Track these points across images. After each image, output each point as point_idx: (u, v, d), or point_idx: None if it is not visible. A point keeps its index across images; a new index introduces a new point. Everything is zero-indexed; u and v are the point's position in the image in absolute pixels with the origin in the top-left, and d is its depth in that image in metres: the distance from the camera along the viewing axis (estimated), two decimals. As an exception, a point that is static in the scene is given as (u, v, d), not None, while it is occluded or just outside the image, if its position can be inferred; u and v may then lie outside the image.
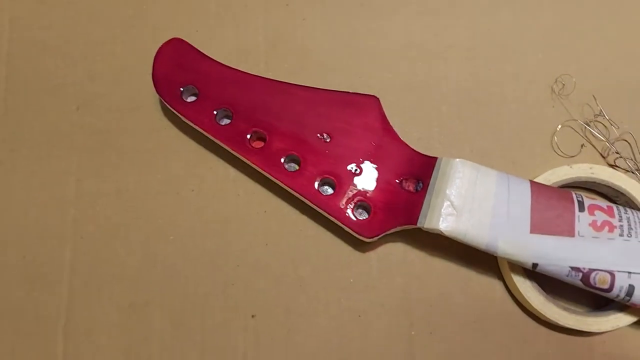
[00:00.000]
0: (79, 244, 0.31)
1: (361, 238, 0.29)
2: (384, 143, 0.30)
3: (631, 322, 0.28)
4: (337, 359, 0.30)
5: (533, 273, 0.29)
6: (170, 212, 0.31)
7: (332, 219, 0.29)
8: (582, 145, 0.31)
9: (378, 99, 0.30)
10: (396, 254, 0.31)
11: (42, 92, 0.34)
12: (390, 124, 0.30)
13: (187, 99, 0.31)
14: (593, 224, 0.27)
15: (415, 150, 0.30)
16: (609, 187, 0.30)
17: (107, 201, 0.32)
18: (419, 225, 0.28)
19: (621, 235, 0.27)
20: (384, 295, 0.30)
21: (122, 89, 0.34)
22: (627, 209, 0.28)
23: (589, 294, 0.29)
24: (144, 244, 0.31)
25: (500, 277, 0.31)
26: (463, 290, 0.30)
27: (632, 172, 0.31)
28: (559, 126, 0.32)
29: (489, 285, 0.30)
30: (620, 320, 0.28)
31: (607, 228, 0.27)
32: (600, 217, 0.27)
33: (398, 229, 0.29)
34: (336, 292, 0.30)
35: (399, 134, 0.30)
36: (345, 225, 0.29)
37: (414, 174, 0.29)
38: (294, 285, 0.30)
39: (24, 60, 0.34)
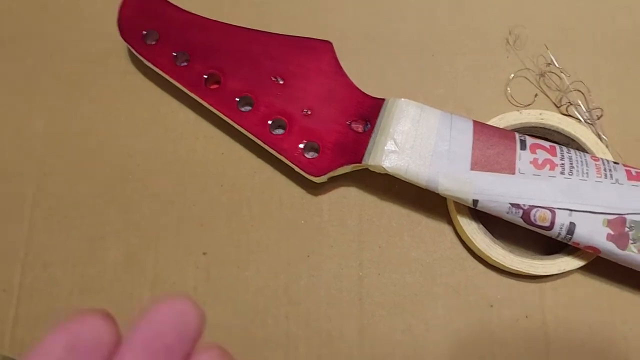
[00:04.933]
0: (43, 180, 0.32)
1: (309, 177, 0.30)
2: (336, 86, 0.30)
3: (579, 265, 0.28)
4: (284, 297, 0.30)
5: (480, 215, 0.29)
6: (131, 152, 0.32)
7: (282, 158, 0.30)
8: (535, 95, 0.32)
9: (331, 43, 0.31)
10: (349, 198, 0.31)
11: (20, 40, 0.35)
12: (345, 70, 0.31)
13: (149, 42, 0.32)
14: (534, 162, 0.27)
15: (364, 93, 0.30)
16: (559, 133, 0.30)
17: (73, 140, 0.33)
18: (363, 162, 0.28)
19: (562, 173, 0.27)
20: (334, 237, 0.31)
21: (93, 37, 0.35)
22: (570, 149, 0.28)
23: (543, 242, 0.29)
24: (104, 182, 0.32)
25: (450, 222, 0.31)
26: (412, 233, 0.31)
27: (583, 121, 0.31)
28: (512, 75, 0.32)
29: (438, 229, 0.31)
30: (567, 263, 0.28)
31: (548, 166, 0.27)
32: (542, 155, 0.27)
33: (347, 169, 0.30)
34: (287, 232, 0.31)
35: (357, 82, 0.31)
36: (294, 164, 0.30)
37: (363, 116, 0.30)
38: (246, 224, 0.31)
39: (5, 11, 0.36)
